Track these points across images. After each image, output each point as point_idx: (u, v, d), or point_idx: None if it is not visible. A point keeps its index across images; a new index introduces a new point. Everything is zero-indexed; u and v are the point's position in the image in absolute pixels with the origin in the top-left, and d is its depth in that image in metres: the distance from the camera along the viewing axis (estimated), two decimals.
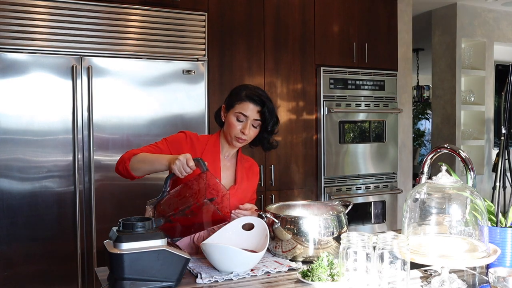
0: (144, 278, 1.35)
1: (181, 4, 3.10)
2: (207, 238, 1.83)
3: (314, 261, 1.46)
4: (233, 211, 1.81)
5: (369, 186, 3.86)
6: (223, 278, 1.46)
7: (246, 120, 1.82)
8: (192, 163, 1.58)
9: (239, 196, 1.91)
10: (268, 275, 1.52)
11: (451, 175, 1.46)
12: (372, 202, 3.88)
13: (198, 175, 1.60)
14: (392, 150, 3.95)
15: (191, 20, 3.12)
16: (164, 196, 1.62)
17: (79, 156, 2.78)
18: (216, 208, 1.55)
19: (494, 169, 4.88)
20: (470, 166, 1.63)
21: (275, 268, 1.56)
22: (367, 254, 1.31)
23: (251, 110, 1.81)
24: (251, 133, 1.84)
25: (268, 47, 3.44)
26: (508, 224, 1.46)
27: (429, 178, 1.49)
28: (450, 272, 1.39)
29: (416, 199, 1.47)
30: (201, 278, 1.46)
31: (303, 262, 1.63)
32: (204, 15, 3.16)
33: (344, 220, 1.71)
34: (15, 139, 2.66)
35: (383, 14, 3.93)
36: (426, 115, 9.41)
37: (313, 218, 1.65)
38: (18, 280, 2.67)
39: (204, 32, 3.16)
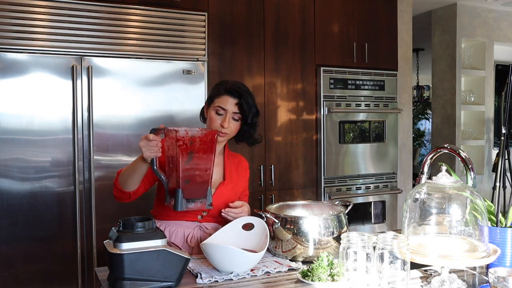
0: (144, 278, 1.35)
1: (181, 4, 3.10)
2: (200, 238, 1.83)
3: (314, 261, 1.46)
4: (223, 210, 1.82)
5: (369, 186, 3.86)
6: (223, 278, 1.46)
7: (225, 114, 1.83)
8: (150, 135, 1.55)
9: (229, 192, 1.91)
10: (268, 275, 1.52)
11: (451, 175, 1.46)
12: (372, 202, 3.88)
13: (166, 138, 1.57)
14: (392, 150, 3.95)
15: (191, 20, 3.12)
16: (165, 180, 1.59)
17: (79, 156, 2.78)
18: (192, 135, 1.51)
19: (494, 169, 4.88)
20: (470, 166, 1.63)
21: (275, 268, 1.56)
22: (367, 254, 1.31)
23: (229, 104, 1.83)
24: (232, 126, 1.85)
25: (268, 47, 3.44)
26: (508, 224, 1.46)
27: (429, 178, 1.49)
28: (450, 272, 1.39)
29: (416, 199, 1.47)
30: (201, 278, 1.46)
31: (303, 262, 1.63)
32: (204, 15, 3.16)
33: (344, 220, 1.71)
34: (15, 139, 2.66)
35: (383, 14, 3.93)
36: (426, 115, 9.42)
37: (313, 218, 1.65)
38: (18, 280, 2.67)
39: (204, 32, 3.16)
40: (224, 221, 1.94)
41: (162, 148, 1.59)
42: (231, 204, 1.82)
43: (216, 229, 1.89)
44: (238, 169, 2.00)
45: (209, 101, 1.90)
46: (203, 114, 1.97)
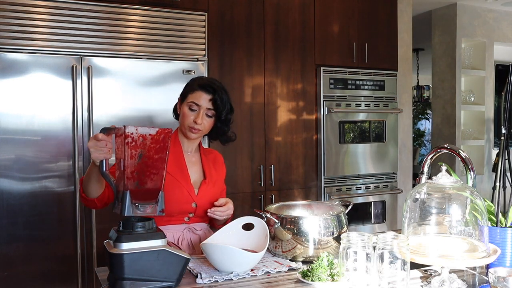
0: (144, 278, 1.35)
1: (181, 4, 3.10)
2: (190, 239, 1.82)
3: (314, 261, 1.46)
4: (209, 210, 1.79)
5: (369, 186, 3.86)
6: (223, 278, 1.46)
7: (199, 110, 1.81)
8: (99, 134, 1.44)
9: (212, 190, 1.89)
10: (268, 275, 1.52)
11: (451, 175, 1.46)
12: (372, 202, 3.88)
13: (116, 138, 1.43)
14: (392, 150, 3.95)
15: (191, 20, 3.12)
16: (114, 183, 1.45)
17: (79, 156, 2.78)
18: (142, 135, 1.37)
19: (494, 169, 4.88)
20: (470, 166, 1.63)
21: (275, 268, 1.56)
22: (367, 254, 1.31)
23: (203, 99, 1.80)
24: (205, 122, 1.82)
25: (268, 47, 3.44)
26: (508, 224, 1.46)
27: (429, 178, 1.49)
28: (450, 272, 1.39)
29: (416, 199, 1.47)
30: (201, 278, 1.46)
31: (303, 262, 1.63)
32: (204, 15, 3.16)
33: (344, 220, 1.71)
34: (15, 139, 2.66)
35: (383, 14, 3.93)
36: (426, 115, 9.42)
37: (313, 218, 1.65)
38: (18, 280, 2.66)
39: (204, 32, 3.16)
40: (210, 220, 1.94)
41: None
42: (216, 203, 1.81)
43: (205, 229, 1.89)
44: (216, 165, 1.98)
45: (183, 97, 1.87)
46: (176, 111, 1.94)
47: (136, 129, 1.35)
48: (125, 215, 1.36)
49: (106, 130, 1.45)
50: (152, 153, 1.38)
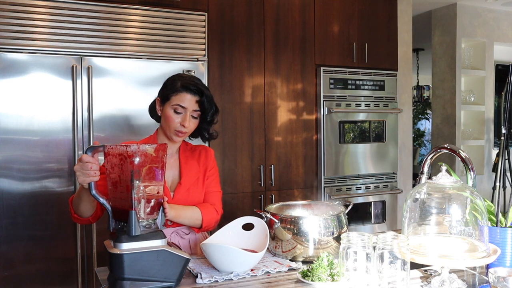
0: (144, 278, 1.35)
1: (181, 4, 3.10)
2: (179, 243, 1.79)
3: (314, 261, 1.46)
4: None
5: (369, 186, 3.86)
6: (223, 278, 1.46)
7: (185, 112, 1.73)
8: (84, 156, 1.39)
9: (189, 191, 1.80)
10: (268, 275, 1.52)
11: (451, 175, 1.46)
12: (372, 202, 3.88)
13: (109, 156, 1.39)
14: (392, 150, 3.95)
15: (191, 20, 3.12)
16: (107, 204, 1.42)
17: (79, 156, 2.77)
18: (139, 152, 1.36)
19: (494, 169, 4.88)
20: (470, 166, 1.63)
21: (275, 268, 1.56)
22: (367, 254, 1.31)
23: (188, 101, 1.72)
24: (191, 124, 1.76)
25: (268, 47, 3.44)
26: (508, 224, 1.46)
27: (429, 178, 1.49)
28: (450, 272, 1.39)
29: (416, 199, 1.47)
30: (201, 278, 1.46)
31: (303, 262, 1.63)
32: (204, 15, 3.16)
33: (344, 220, 1.71)
34: (15, 139, 2.66)
35: (383, 14, 3.93)
36: (426, 115, 9.42)
37: (313, 218, 1.65)
38: (18, 280, 2.66)
39: (204, 32, 3.16)
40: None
41: (102, 169, 1.44)
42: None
43: (194, 232, 1.83)
44: (200, 160, 1.88)
45: (165, 98, 1.76)
46: (153, 111, 1.84)
47: (138, 147, 1.35)
48: (133, 234, 1.35)
49: (91, 150, 1.40)
50: (153, 168, 1.39)
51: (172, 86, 1.75)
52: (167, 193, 1.77)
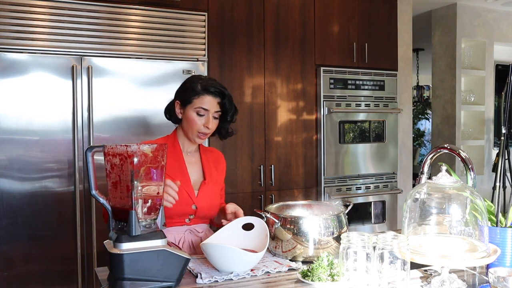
0: (144, 278, 1.35)
1: (181, 4, 3.10)
2: (192, 241, 1.82)
3: (314, 261, 1.46)
4: (223, 221, 1.74)
5: (369, 186, 3.86)
6: (223, 278, 1.46)
7: (207, 114, 1.77)
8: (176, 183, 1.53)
9: (212, 190, 1.87)
10: (268, 275, 1.52)
11: (451, 175, 1.46)
12: (372, 202, 3.88)
13: (109, 156, 1.40)
14: (392, 150, 3.95)
15: (191, 20, 3.12)
16: (107, 204, 1.42)
17: (79, 156, 2.78)
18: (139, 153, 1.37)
19: (494, 169, 4.88)
20: (470, 166, 1.63)
21: (275, 268, 1.56)
22: (367, 254, 1.31)
23: (210, 103, 1.77)
24: (213, 125, 1.81)
25: (268, 47, 3.44)
26: (508, 224, 1.46)
27: (429, 178, 1.49)
28: (450, 272, 1.39)
29: (416, 199, 1.47)
30: (201, 278, 1.46)
31: (303, 262, 1.63)
32: (204, 15, 3.17)
33: (344, 220, 1.71)
34: (15, 139, 2.66)
35: (383, 14, 3.93)
36: (426, 115, 9.42)
37: (313, 218, 1.65)
38: (18, 280, 2.67)
39: (204, 32, 3.16)
40: (211, 221, 1.94)
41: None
42: (228, 212, 1.77)
43: (206, 230, 1.88)
44: (216, 164, 1.95)
45: (186, 101, 1.79)
46: (171, 113, 1.86)
47: (139, 147, 1.36)
48: (133, 234, 1.35)
49: (91, 150, 1.40)
50: (153, 169, 1.40)
51: (192, 89, 1.78)
52: (190, 190, 1.82)
